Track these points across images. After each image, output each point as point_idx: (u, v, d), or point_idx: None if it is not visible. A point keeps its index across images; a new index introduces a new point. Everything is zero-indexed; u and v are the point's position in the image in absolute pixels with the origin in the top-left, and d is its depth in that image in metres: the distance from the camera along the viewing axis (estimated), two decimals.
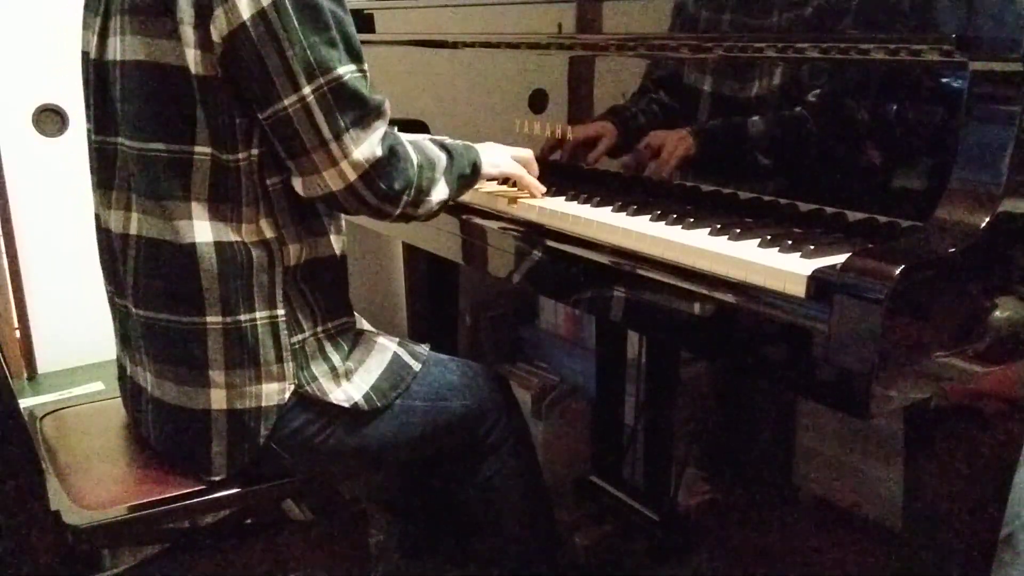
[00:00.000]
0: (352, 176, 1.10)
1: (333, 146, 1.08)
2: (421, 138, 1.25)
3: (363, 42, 1.13)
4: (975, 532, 1.09)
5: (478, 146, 1.33)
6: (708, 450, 1.94)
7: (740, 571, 1.73)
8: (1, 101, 2.69)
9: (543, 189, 1.37)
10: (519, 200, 1.35)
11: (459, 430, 1.32)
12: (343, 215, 1.24)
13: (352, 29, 1.11)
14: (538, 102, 1.50)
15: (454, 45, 1.68)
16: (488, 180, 1.35)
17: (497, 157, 1.34)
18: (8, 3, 2.65)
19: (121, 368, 1.30)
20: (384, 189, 1.13)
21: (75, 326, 2.85)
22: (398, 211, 1.17)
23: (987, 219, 0.89)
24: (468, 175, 1.27)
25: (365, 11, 1.89)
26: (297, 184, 1.12)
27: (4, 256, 2.75)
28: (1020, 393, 1.03)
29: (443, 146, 1.25)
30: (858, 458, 1.69)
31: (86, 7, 1.20)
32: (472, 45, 1.64)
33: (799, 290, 0.93)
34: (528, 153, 1.39)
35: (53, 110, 2.75)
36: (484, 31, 1.60)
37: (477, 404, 1.33)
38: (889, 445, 1.59)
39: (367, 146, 1.10)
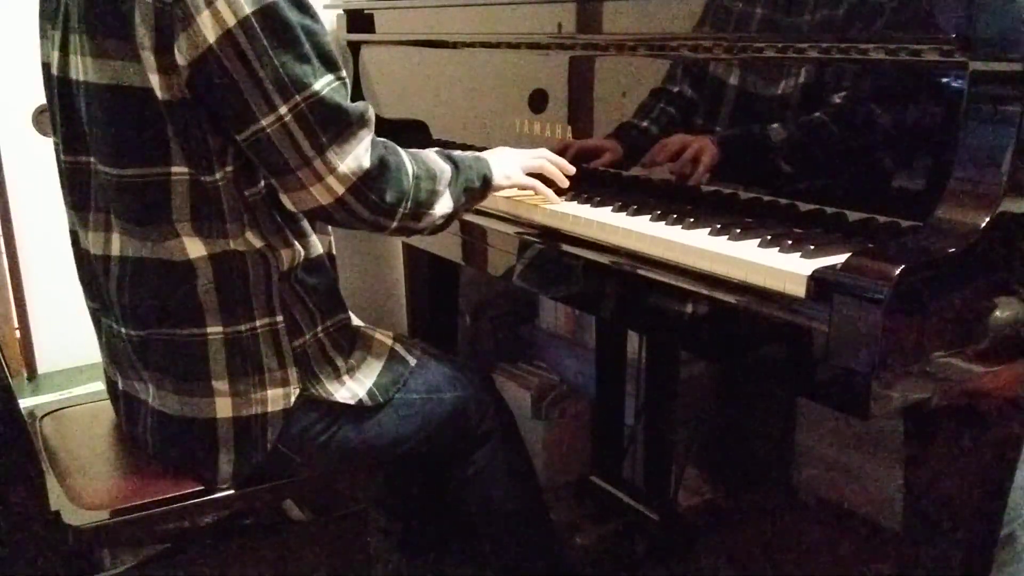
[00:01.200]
0: (340, 190, 1.07)
1: (317, 163, 1.05)
2: (427, 151, 1.21)
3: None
4: (975, 532, 1.09)
5: (489, 155, 1.28)
6: (708, 450, 1.94)
7: (740, 571, 1.73)
8: (1, 101, 2.68)
9: (558, 199, 1.32)
10: (534, 204, 1.33)
11: (453, 420, 1.33)
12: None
13: (325, 38, 1.06)
14: (538, 102, 1.50)
15: (454, 45, 1.68)
16: (500, 191, 1.30)
17: (509, 168, 1.28)
18: (8, 3, 2.65)
19: (112, 383, 1.27)
20: (375, 201, 1.09)
21: (75, 326, 2.82)
22: (395, 224, 1.13)
23: (987, 219, 0.89)
24: (477, 188, 1.23)
25: (365, 11, 1.89)
26: (286, 200, 1.10)
27: (4, 256, 2.75)
28: (1020, 393, 1.03)
29: (449, 158, 1.21)
30: (858, 458, 1.69)
31: (42, 15, 1.15)
32: (472, 45, 1.64)
33: (799, 290, 0.93)
34: (541, 156, 1.33)
35: None
36: (484, 31, 1.59)
37: (467, 394, 1.34)
38: (889, 445, 1.59)
39: (352, 159, 1.06)
